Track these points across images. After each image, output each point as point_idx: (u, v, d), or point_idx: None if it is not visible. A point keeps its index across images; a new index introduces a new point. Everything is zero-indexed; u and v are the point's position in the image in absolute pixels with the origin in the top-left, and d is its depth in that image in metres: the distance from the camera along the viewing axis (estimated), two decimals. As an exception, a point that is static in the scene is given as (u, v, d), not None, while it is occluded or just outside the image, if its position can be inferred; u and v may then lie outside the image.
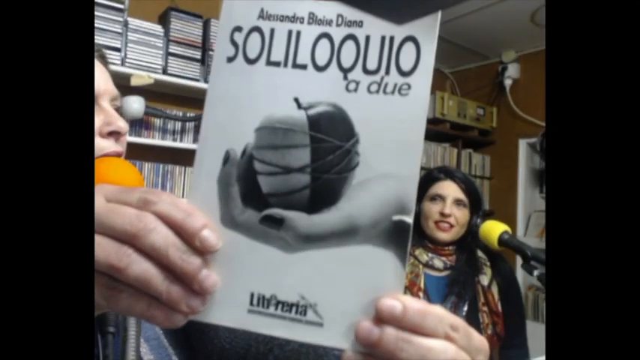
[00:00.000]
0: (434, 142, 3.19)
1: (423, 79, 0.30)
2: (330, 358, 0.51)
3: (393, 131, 0.30)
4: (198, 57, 2.33)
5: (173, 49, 2.27)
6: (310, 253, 0.30)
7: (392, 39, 0.31)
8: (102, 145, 0.54)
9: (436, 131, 3.15)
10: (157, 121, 2.30)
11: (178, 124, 2.35)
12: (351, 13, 0.31)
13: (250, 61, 0.32)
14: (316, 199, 0.30)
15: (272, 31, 0.32)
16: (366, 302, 0.29)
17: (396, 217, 0.29)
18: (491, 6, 2.62)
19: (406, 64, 0.30)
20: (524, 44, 3.12)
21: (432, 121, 3.13)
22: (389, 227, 0.29)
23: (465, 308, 1.35)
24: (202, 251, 0.29)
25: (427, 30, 0.30)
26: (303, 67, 0.31)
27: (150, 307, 0.29)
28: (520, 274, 2.77)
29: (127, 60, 2.13)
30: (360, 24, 0.31)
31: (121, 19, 2.11)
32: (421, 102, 0.30)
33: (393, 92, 0.30)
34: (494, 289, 1.40)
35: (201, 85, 2.30)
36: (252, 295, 0.30)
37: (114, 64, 2.02)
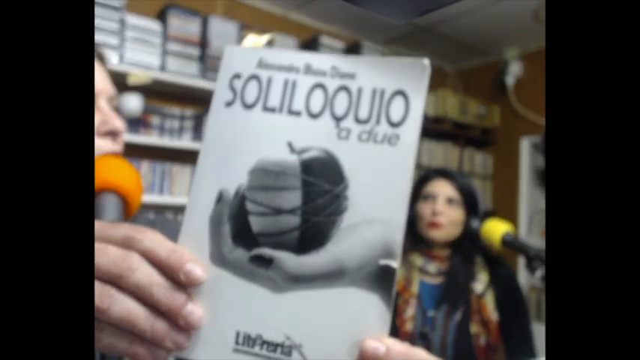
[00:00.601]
0: (435, 141, 3.18)
1: (411, 131, 0.31)
2: None
3: (382, 178, 0.31)
4: (197, 55, 2.31)
5: (171, 46, 2.25)
6: (297, 293, 0.31)
7: (382, 92, 0.32)
8: (99, 144, 0.55)
9: (438, 130, 3.14)
10: (155, 120, 2.28)
11: (176, 123, 2.33)
12: (345, 66, 0.33)
13: (247, 107, 0.34)
14: (305, 240, 0.31)
15: (269, 79, 0.34)
16: (351, 345, 0.30)
17: (382, 262, 0.30)
18: (493, 4, 2.61)
19: (396, 115, 0.32)
20: (527, 42, 3.09)
21: (433, 120, 3.12)
22: (375, 271, 0.30)
23: (458, 317, 1.32)
24: (188, 284, 0.29)
25: (416, 85, 0.31)
26: (298, 113, 0.33)
27: (132, 344, 0.30)
28: (522, 274, 2.76)
29: (125, 58, 2.12)
30: (352, 76, 0.33)
31: (118, 17, 2.09)
32: (409, 152, 0.31)
33: (382, 142, 0.32)
34: (489, 297, 1.35)
35: (199, 82, 2.28)
36: (237, 334, 0.31)
37: (111, 62, 2.00)
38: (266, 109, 0.33)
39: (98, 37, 1.99)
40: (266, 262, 0.31)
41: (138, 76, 2.09)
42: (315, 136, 0.32)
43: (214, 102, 0.34)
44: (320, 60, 0.33)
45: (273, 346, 0.30)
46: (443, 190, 1.40)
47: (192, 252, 0.31)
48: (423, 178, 1.47)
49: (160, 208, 2.25)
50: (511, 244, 1.21)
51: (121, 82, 2.01)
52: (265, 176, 0.32)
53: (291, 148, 0.32)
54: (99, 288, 0.29)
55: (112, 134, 0.57)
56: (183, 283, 0.29)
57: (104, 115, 0.57)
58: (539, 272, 1.37)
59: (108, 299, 0.29)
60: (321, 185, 0.32)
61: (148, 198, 2.19)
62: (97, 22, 2.01)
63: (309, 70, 0.33)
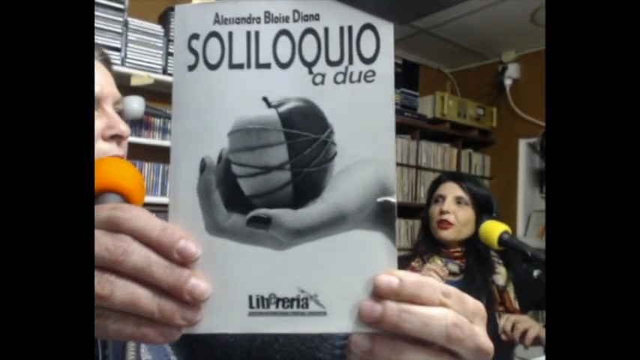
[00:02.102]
0: (434, 142, 3.19)
1: (385, 64, 0.31)
2: (334, 339, 0.52)
3: (365, 117, 0.31)
4: (198, 57, 2.33)
5: (173, 48, 2.26)
6: (302, 246, 0.30)
7: (350, 28, 0.31)
8: (104, 148, 0.55)
9: (436, 131, 3.15)
10: (157, 121, 2.30)
11: (178, 124, 2.34)
12: (307, 8, 0.31)
13: (212, 67, 0.32)
14: (300, 193, 0.31)
15: (230, 34, 0.32)
16: (364, 284, 0.30)
17: (380, 199, 0.30)
18: (491, 6, 2.62)
19: (367, 51, 0.31)
20: (524, 44, 3.11)
21: (432, 121, 3.13)
22: (375, 210, 0.30)
23: None
24: (183, 262, 0.29)
25: None
26: (267, 66, 0.31)
27: (139, 326, 0.29)
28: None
29: (127, 60, 2.14)
30: (316, 17, 0.31)
31: (120, 19, 2.11)
32: (387, 86, 0.31)
33: (359, 80, 0.31)
34: (510, 289, 1.39)
35: (201, 85, 2.29)
36: (250, 298, 0.30)
37: (114, 64, 2.02)
38: (233, 66, 0.31)
39: (101, 40, 2.01)
40: (264, 222, 0.30)
41: (140, 77, 2.11)
42: (290, 86, 0.31)
43: (175, 68, 0.32)
44: (279, 5, 0.32)
45: (289, 301, 0.30)
46: (451, 191, 1.45)
47: (184, 227, 0.30)
48: (435, 182, 1.53)
49: (162, 209, 2.26)
50: (508, 243, 1.23)
51: (123, 84, 2.03)
52: (246, 136, 0.31)
53: (267, 102, 0.31)
54: (97, 276, 0.28)
55: (118, 138, 0.56)
56: (177, 262, 0.29)
57: (110, 119, 0.56)
58: (536, 272, 1.39)
59: (109, 286, 0.28)
60: (306, 135, 0.31)
61: (151, 199, 2.20)
62: (100, 24, 2.03)
63: (269, 17, 0.32)
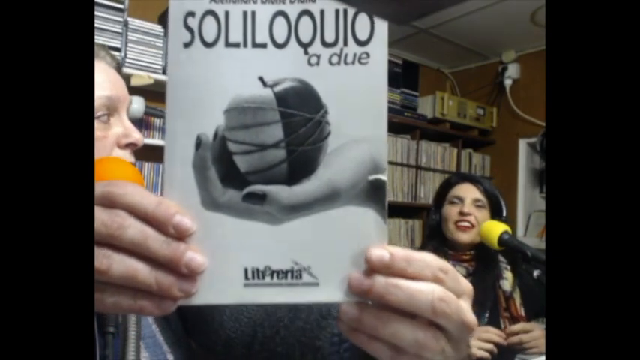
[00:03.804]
0: (434, 142, 3.19)
1: (379, 47, 0.32)
2: (332, 327, 0.53)
3: (359, 98, 0.32)
4: (198, 57, 2.33)
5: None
6: (296, 221, 0.32)
7: (346, 11, 0.32)
8: (119, 155, 0.56)
9: (436, 131, 3.15)
10: (157, 121, 2.30)
11: (178, 124, 2.34)
12: None
13: (208, 45, 0.32)
14: (295, 171, 0.32)
15: (227, 13, 0.32)
16: (355, 256, 0.31)
17: (371, 177, 0.32)
18: (491, 6, 2.62)
19: (362, 34, 0.32)
20: (524, 44, 3.11)
21: (432, 121, 3.13)
22: (366, 187, 0.32)
23: (487, 315, 1.34)
24: (178, 236, 0.29)
25: None
26: (263, 45, 0.32)
27: (136, 299, 0.29)
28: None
29: (127, 60, 2.14)
30: None
31: (120, 19, 2.11)
32: (380, 68, 0.32)
33: (353, 62, 0.32)
34: (517, 294, 1.39)
35: (201, 85, 2.29)
36: (245, 270, 0.31)
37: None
38: (229, 44, 0.32)
39: (101, 40, 2.01)
40: (260, 198, 0.31)
41: (140, 77, 2.11)
42: (285, 66, 0.32)
43: (171, 45, 0.32)
44: None
45: (283, 273, 0.31)
46: (470, 193, 1.44)
47: (180, 202, 0.30)
48: (448, 183, 1.51)
49: (161, 209, 2.26)
50: (508, 243, 1.23)
51: (123, 84, 2.03)
52: (242, 114, 0.31)
53: (262, 82, 0.32)
54: (95, 251, 0.29)
55: (132, 147, 0.58)
56: (173, 236, 0.29)
57: (126, 127, 0.58)
58: (536, 272, 1.39)
59: (106, 260, 0.29)
60: (301, 115, 0.31)
61: (150, 198, 2.20)
62: (100, 24, 2.04)
63: None
